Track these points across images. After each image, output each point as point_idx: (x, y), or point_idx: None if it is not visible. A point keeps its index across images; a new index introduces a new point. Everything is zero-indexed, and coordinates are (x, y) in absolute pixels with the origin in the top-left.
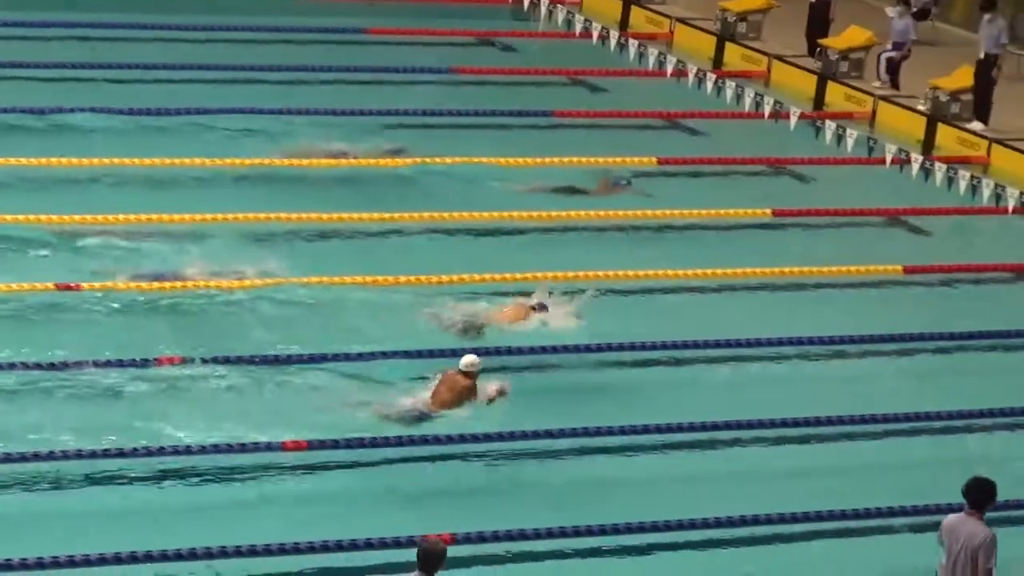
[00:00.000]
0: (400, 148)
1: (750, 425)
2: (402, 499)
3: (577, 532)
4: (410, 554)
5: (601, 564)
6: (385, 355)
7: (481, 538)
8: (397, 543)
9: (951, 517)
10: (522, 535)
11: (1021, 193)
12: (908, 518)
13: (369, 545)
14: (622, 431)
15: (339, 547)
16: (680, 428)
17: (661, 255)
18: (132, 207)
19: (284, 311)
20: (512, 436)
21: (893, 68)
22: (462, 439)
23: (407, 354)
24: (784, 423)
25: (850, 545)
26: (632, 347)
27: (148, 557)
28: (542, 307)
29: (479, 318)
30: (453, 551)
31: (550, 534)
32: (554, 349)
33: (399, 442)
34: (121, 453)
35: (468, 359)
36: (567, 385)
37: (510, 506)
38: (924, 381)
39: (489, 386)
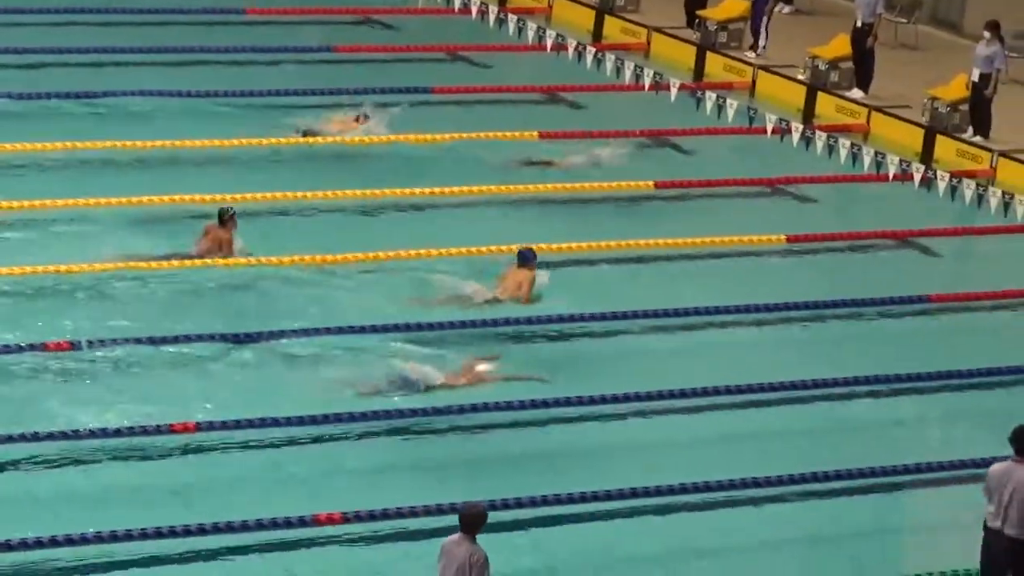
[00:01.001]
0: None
1: (627, 398)
2: (295, 479)
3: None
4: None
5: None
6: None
7: (372, 516)
8: (289, 523)
9: (997, 466)
10: (411, 512)
11: (901, 160)
12: (800, 485)
13: (260, 526)
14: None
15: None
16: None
17: (543, 229)
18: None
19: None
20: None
21: (757, 24)
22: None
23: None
24: (671, 395)
25: (737, 515)
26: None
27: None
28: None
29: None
30: (344, 529)
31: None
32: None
33: (288, 422)
34: (9, 438)
35: None
36: None
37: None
38: (808, 349)
39: None
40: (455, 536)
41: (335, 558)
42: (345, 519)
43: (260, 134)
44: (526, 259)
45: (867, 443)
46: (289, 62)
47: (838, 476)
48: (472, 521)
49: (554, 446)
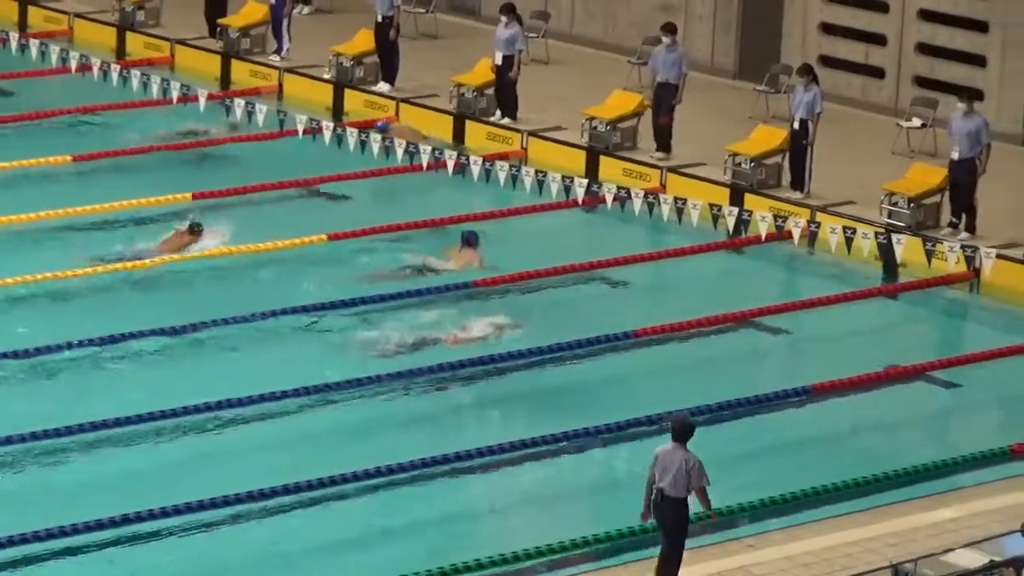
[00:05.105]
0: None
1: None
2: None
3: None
4: None
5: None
6: None
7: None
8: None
9: None
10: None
11: (434, 149)
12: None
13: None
14: None
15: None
16: None
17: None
18: None
19: None
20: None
21: (277, 27)
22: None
23: None
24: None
25: None
26: None
27: None
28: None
29: None
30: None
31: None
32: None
33: None
34: None
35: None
36: None
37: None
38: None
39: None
40: (668, 445)
41: None
42: None
43: None
44: (470, 243)
45: (425, 432)
46: None
47: (401, 468)
48: (683, 431)
49: None
